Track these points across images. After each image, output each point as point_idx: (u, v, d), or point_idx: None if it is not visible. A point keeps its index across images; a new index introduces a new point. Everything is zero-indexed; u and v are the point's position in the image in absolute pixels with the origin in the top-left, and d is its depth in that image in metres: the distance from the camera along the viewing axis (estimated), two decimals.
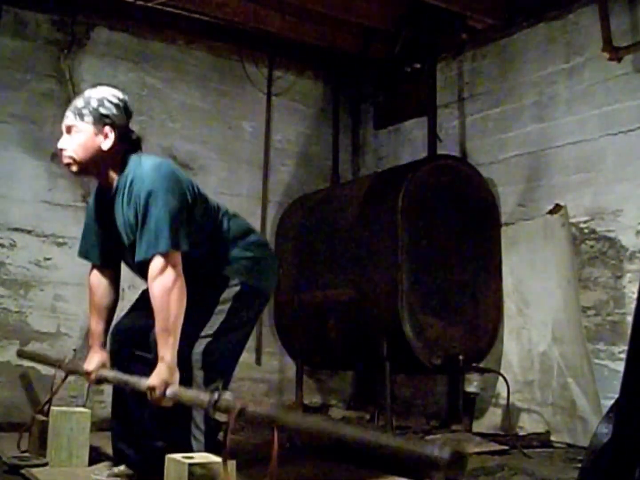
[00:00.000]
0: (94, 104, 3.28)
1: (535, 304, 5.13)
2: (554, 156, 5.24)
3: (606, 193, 4.90)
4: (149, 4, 5.27)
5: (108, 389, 5.44)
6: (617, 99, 4.89)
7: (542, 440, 4.80)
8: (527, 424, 5.01)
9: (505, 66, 5.69)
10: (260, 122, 6.37)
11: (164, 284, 3.07)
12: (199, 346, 3.28)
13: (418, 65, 6.11)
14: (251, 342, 6.07)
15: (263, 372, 6.09)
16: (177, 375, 3.05)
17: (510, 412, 4.78)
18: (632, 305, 4.01)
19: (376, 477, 3.86)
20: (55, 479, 3.59)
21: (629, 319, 4.42)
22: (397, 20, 5.81)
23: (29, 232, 5.33)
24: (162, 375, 3.00)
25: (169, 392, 2.99)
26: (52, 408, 3.95)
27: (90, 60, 5.68)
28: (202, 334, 3.30)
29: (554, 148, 5.25)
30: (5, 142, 5.34)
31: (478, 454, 4.44)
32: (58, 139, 5.38)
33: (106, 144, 3.26)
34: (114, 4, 5.48)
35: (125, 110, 3.34)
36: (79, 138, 3.28)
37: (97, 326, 3.57)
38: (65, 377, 4.09)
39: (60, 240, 5.42)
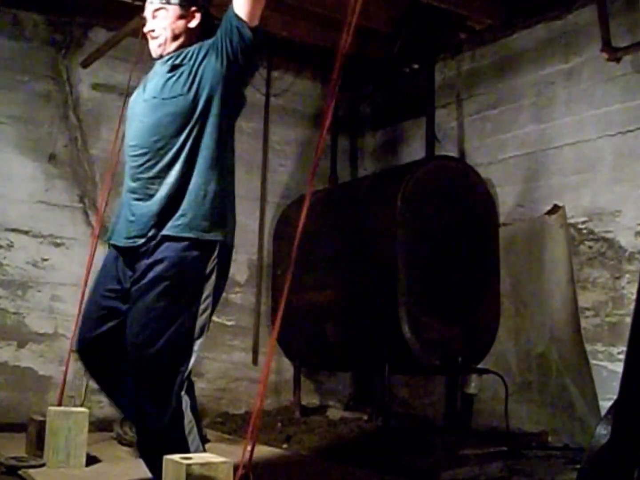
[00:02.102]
0: None
1: (533, 305, 5.12)
2: (553, 157, 5.24)
3: (605, 194, 4.89)
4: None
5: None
6: (615, 99, 4.89)
7: (541, 441, 4.80)
8: (526, 425, 5.01)
9: (503, 67, 5.68)
10: (259, 122, 6.36)
11: None
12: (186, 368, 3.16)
13: (416, 66, 6.12)
14: (248, 342, 6.07)
15: (260, 373, 6.08)
16: None
17: (509, 413, 4.78)
18: (631, 306, 4.01)
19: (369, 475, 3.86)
20: None
21: (628, 320, 4.42)
22: (395, 21, 5.80)
23: (26, 232, 5.33)
24: None
25: None
26: (50, 408, 3.94)
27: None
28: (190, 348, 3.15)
29: (553, 149, 5.24)
30: (3, 143, 5.33)
31: (476, 455, 4.43)
32: (55, 140, 5.48)
33: (192, 23, 3.34)
34: (111, 4, 5.47)
35: None
36: (167, 19, 3.33)
37: None
38: None
39: (58, 241, 5.41)
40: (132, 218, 3.22)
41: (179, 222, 3.12)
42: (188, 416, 3.14)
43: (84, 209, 5.54)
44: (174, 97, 3.20)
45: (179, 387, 3.12)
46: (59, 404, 4.16)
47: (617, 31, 4.84)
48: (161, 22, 3.33)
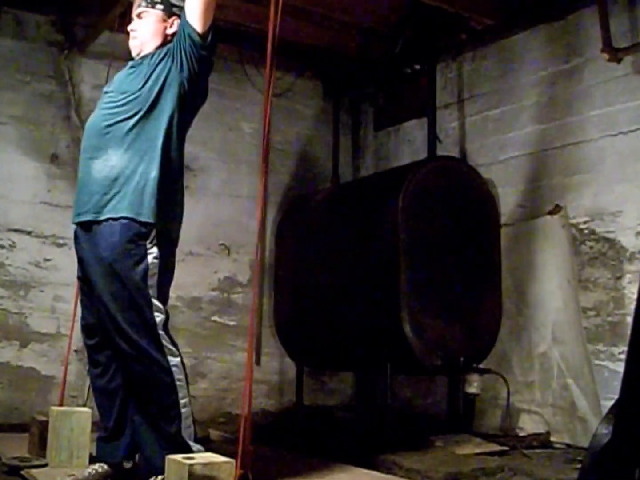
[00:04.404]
0: None
1: (535, 305, 5.13)
2: (554, 157, 5.24)
3: (606, 194, 4.90)
4: None
5: None
6: (616, 99, 4.89)
7: (542, 441, 4.80)
8: (527, 425, 5.01)
9: (505, 67, 5.69)
10: (260, 123, 6.33)
11: None
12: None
13: (418, 66, 6.12)
14: None
15: (263, 373, 6.09)
16: None
17: (510, 413, 4.79)
18: (632, 306, 4.01)
19: (371, 476, 3.86)
20: None
21: (629, 319, 4.42)
22: (396, 21, 5.81)
23: (28, 233, 5.34)
24: None
25: None
26: (52, 408, 3.94)
27: (89, 61, 5.68)
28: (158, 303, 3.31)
29: (554, 149, 5.24)
30: (5, 144, 5.34)
31: (478, 454, 4.44)
32: (58, 140, 5.48)
33: (170, 30, 3.60)
34: (113, 5, 5.47)
35: None
36: (148, 22, 3.61)
37: None
38: None
39: (60, 241, 5.42)
40: (79, 198, 3.47)
41: (117, 203, 3.31)
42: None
43: None
44: (126, 91, 3.47)
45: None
46: (61, 404, 4.16)
47: (618, 32, 4.84)
48: (143, 24, 3.62)
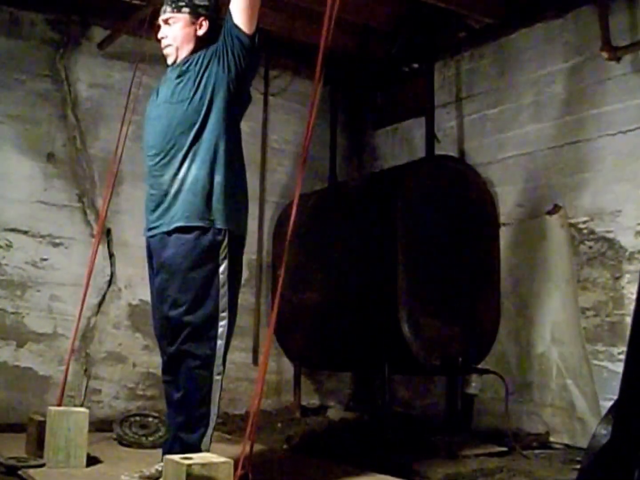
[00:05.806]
0: None
1: (534, 305, 5.12)
2: (553, 156, 5.23)
3: (605, 193, 4.89)
4: (144, 3, 5.24)
5: (107, 388, 5.47)
6: (615, 99, 4.88)
7: (541, 441, 4.80)
8: (526, 425, 5.00)
9: (503, 66, 5.68)
10: (257, 122, 6.35)
11: None
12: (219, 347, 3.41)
13: (416, 65, 6.11)
14: (248, 343, 6.06)
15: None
16: None
17: (509, 414, 4.77)
18: (631, 306, 4.00)
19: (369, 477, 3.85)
20: None
21: (628, 319, 4.41)
22: (395, 20, 5.80)
23: (25, 232, 5.32)
24: None
25: None
26: (50, 408, 3.93)
27: (85, 59, 5.67)
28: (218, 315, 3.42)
29: (553, 148, 5.23)
30: (1, 142, 5.32)
31: (477, 455, 4.43)
32: (54, 139, 5.47)
33: (201, 31, 3.61)
34: (109, 3, 5.46)
35: (216, 2, 3.70)
36: (177, 27, 3.61)
37: None
38: None
39: (57, 240, 5.40)
40: (151, 213, 3.55)
41: (189, 212, 3.40)
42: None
43: (83, 209, 5.54)
44: (182, 100, 3.52)
45: None
46: (59, 404, 4.15)
47: (617, 30, 4.83)
48: (172, 29, 3.62)
